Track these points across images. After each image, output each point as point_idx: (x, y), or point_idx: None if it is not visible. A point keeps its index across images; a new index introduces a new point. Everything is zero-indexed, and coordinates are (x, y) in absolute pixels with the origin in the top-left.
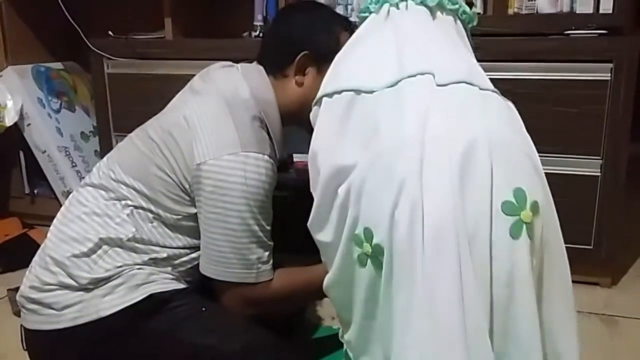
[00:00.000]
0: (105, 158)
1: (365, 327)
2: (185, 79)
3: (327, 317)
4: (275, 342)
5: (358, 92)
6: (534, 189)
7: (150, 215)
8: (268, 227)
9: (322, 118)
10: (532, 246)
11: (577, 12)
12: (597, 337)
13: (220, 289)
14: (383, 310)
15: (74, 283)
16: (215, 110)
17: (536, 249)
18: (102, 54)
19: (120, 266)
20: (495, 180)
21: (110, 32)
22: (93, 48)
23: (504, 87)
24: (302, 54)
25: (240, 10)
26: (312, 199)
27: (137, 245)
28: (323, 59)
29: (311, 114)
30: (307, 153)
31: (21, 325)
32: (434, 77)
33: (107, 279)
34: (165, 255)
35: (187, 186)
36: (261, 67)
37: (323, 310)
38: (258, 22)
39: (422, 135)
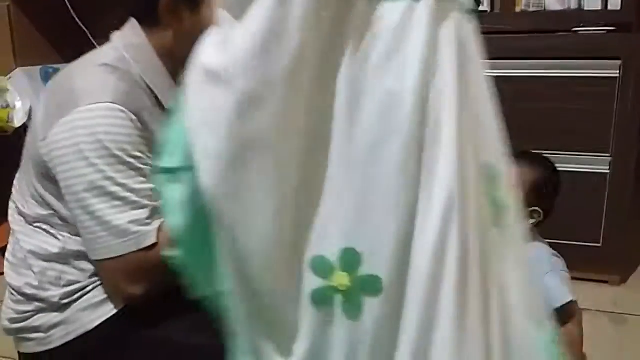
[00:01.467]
0: None
1: None
2: None
3: None
4: None
5: None
6: None
7: (52, 223)
8: (137, 185)
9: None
10: None
11: (585, 9)
12: (605, 335)
13: (101, 270)
14: None
15: (46, 306)
16: (58, 80)
17: None
18: None
19: (80, 281)
20: None
21: None
22: None
23: (511, 86)
24: None
25: None
26: None
27: (73, 260)
28: None
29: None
30: None
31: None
32: None
33: (76, 293)
34: None
35: (49, 174)
36: (133, 20)
37: None
38: None
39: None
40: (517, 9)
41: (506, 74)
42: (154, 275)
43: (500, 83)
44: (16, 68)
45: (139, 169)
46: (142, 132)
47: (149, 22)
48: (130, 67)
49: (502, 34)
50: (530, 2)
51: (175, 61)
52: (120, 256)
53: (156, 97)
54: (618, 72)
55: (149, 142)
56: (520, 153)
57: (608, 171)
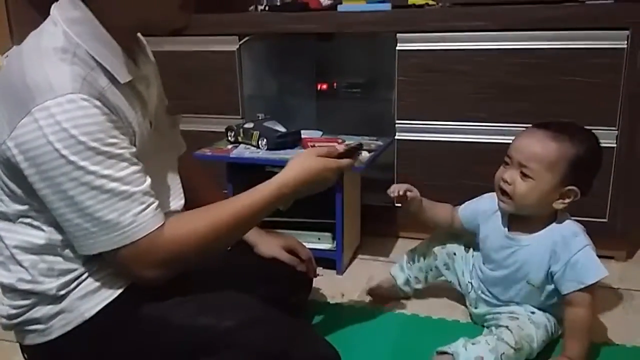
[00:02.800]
0: None
1: None
2: (191, 55)
3: (337, 294)
4: (271, 317)
5: None
6: None
7: (34, 216)
8: (121, 173)
9: None
10: None
11: None
12: (612, 310)
13: (109, 260)
14: None
15: (43, 298)
16: (8, 76)
17: None
18: None
19: (73, 269)
20: None
21: None
22: None
23: (518, 58)
24: None
25: None
26: None
27: (61, 250)
28: None
29: None
30: (317, 130)
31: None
32: None
33: (72, 282)
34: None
35: (20, 174)
36: None
37: (330, 288)
38: None
39: None
40: None
41: (512, 46)
42: (170, 257)
43: (506, 55)
44: (12, 46)
45: (118, 154)
46: (109, 115)
47: None
48: (77, 46)
49: (509, 4)
50: None
51: (122, 30)
52: (118, 248)
53: (109, 73)
54: (626, 42)
55: (118, 124)
56: (561, 125)
57: (615, 145)
